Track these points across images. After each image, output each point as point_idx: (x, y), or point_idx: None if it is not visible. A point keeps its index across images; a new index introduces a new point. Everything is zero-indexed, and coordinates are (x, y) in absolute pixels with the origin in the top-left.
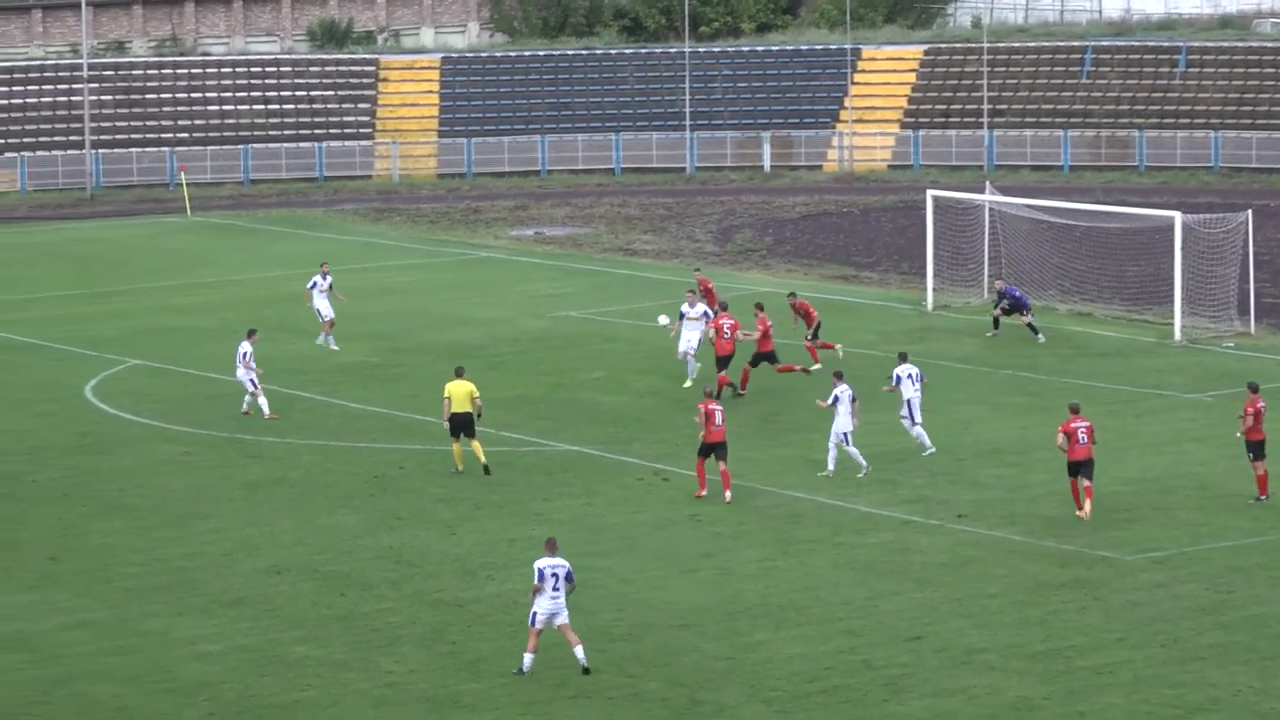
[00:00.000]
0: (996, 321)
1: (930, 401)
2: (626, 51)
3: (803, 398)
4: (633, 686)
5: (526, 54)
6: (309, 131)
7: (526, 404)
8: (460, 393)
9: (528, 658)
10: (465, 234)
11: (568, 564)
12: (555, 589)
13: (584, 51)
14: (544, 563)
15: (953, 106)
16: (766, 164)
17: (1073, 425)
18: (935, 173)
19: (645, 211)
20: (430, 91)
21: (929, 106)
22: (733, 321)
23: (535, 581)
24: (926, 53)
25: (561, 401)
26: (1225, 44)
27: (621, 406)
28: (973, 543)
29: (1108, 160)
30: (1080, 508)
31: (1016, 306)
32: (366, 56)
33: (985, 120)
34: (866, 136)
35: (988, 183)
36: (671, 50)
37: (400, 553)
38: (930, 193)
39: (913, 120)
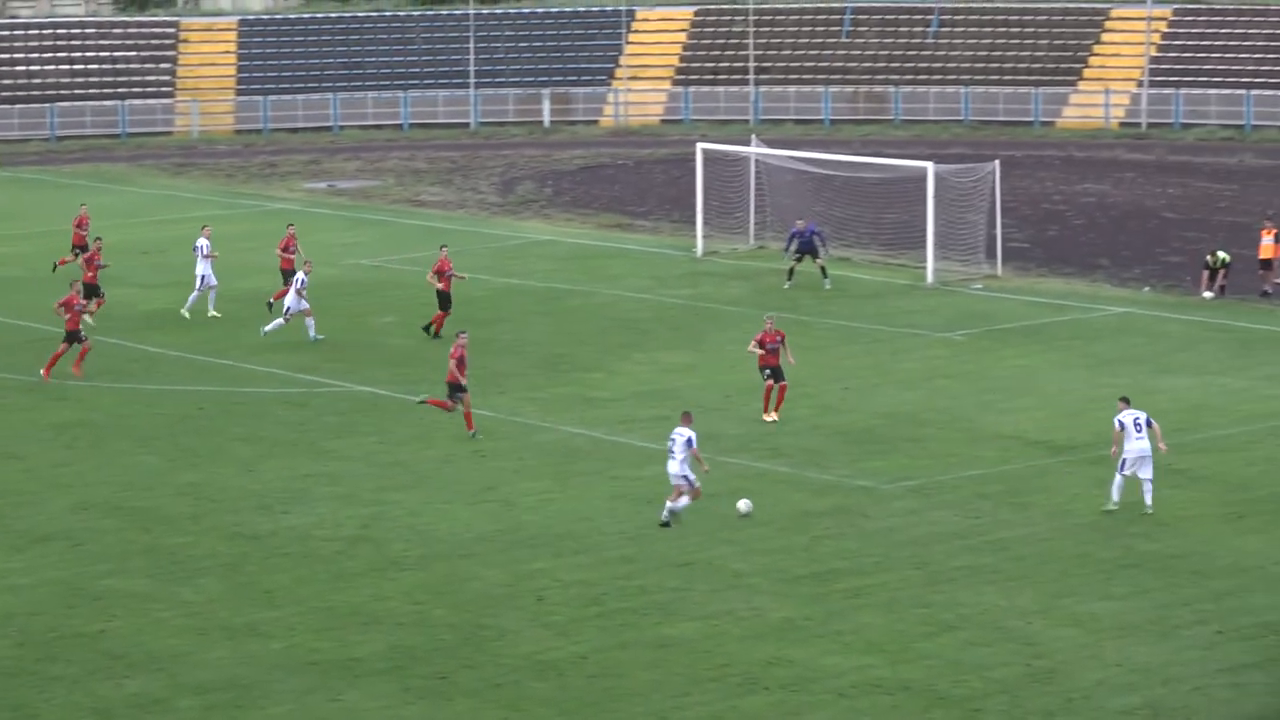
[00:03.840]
0: (791, 273)
1: (699, 341)
2: (414, 13)
3: (586, 339)
4: (421, 613)
5: (319, 16)
6: (112, 90)
7: (321, 348)
8: None
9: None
10: (261, 187)
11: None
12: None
13: (374, 13)
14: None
15: (720, 64)
16: (546, 119)
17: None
18: (705, 127)
19: (432, 165)
20: (228, 52)
21: (699, 64)
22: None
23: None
24: (696, 14)
25: (353, 345)
26: (975, 5)
27: (410, 349)
28: (739, 475)
29: (866, 114)
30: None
31: (807, 249)
32: (167, 19)
33: (751, 77)
34: (640, 93)
35: (753, 136)
36: (457, 12)
37: (200, 489)
38: (700, 145)
39: (684, 77)
